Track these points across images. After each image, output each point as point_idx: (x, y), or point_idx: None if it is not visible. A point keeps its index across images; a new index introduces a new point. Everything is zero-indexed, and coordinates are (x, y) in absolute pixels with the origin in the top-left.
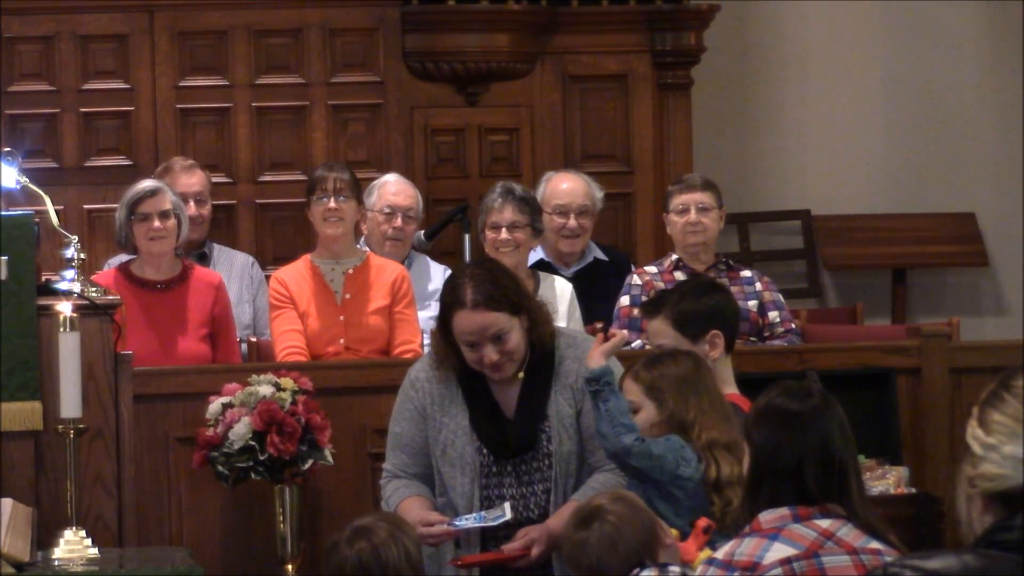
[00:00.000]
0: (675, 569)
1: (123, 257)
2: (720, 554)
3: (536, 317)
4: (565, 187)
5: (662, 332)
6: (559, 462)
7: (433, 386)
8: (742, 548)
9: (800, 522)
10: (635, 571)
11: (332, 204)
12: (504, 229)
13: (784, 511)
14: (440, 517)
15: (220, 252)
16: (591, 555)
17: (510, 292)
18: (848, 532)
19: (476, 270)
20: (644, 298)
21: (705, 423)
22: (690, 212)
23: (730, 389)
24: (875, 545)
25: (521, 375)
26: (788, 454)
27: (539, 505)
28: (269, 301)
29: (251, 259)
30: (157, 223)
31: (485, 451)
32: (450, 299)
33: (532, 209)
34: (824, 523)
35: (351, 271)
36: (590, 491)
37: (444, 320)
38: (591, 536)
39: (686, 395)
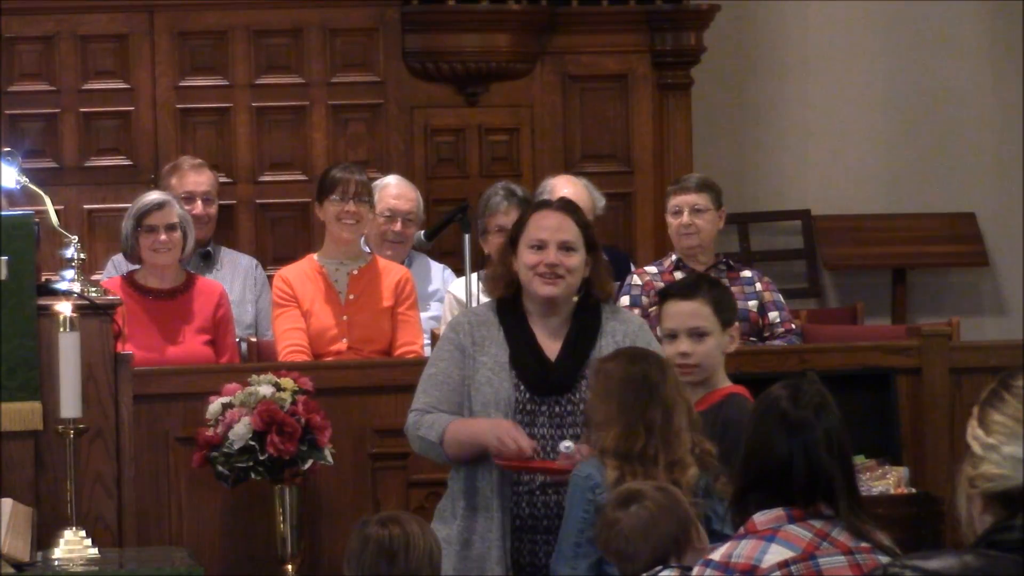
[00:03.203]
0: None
1: (121, 257)
2: (716, 555)
3: (600, 268)
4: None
5: (701, 314)
6: None
7: (473, 328)
8: (739, 550)
9: (795, 523)
10: (657, 568)
11: (351, 207)
12: None
13: (779, 512)
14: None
15: (225, 253)
16: (620, 537)
17: (590, 225)
18: (840, 532)
19: (563, 198)
20: (644, 298)
21: (608, 430)
22: (683, 214)
23: (726, 383)
24: (867, 544)
25: (576, 298)
26: (775, 456)
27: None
28: (272, 299)
29: (255, 261)
30: (163, 236)
31: (522, 387)
32: (535, 205)
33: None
34: (818, 523)
35: (356, 272)
36: None
37: (518, 227)
38: (625, 518)
39: (604, 399)
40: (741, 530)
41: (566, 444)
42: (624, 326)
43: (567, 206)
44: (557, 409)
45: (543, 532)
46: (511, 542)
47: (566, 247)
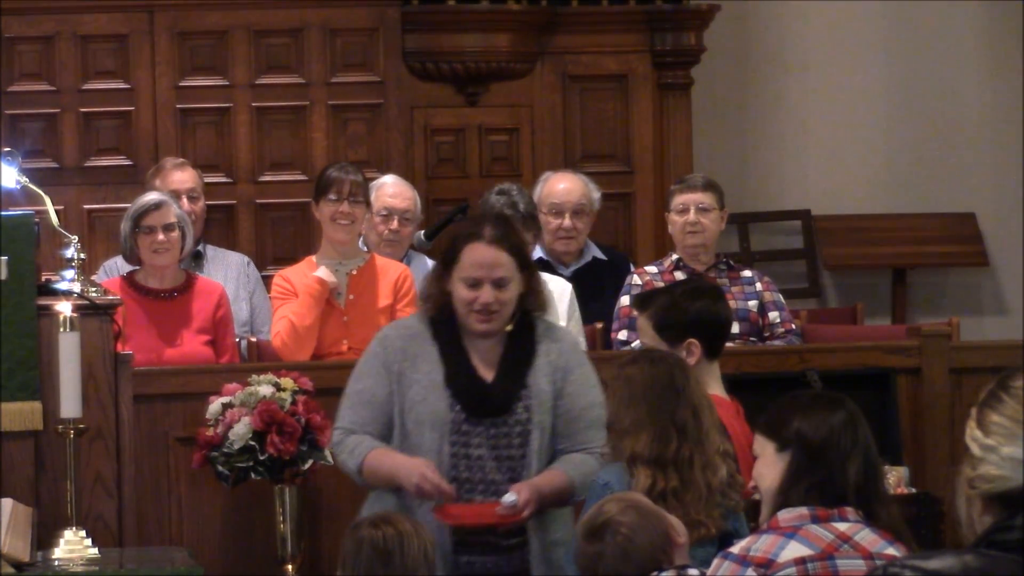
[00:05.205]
0: (693, 572)
1: (119, 259)
2: (736, 548)
3: (534, 284)
4: (561, 187)
5: (644, 330)
6: (536, 432)
7: (405, 343)
8: (758, 544)
9: (818, 523)
10: (653, 574)
11: (345, 208)
12: None
13: (803, 511)
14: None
15: (215, 252)
16: (607, 566)
17: (523, 246)
18: (865, 536)
19: (495, 215)
20: None
21: (638, 436)
22: (689, 212)
23: (712, 392)
24: (891, 551)
25: (509, 327)
26: (835, 460)
27: (502, 471)
28: (272, 297)
29: (246, 258)
30: (161, 236)
31: (457, 408)
32: (466, 233)
33: (534, 220)
34: (842, 526)
35: (355, 272)
36: (570, 467)
37: (451, 255)
38: (605, 548)
39: (628, 404)
40: (764, 525)
41: (509, 498)
42: (558, 345)
43: (499, 236)
44: (493, 431)
45: (481, 546)
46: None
47: (501, 283)
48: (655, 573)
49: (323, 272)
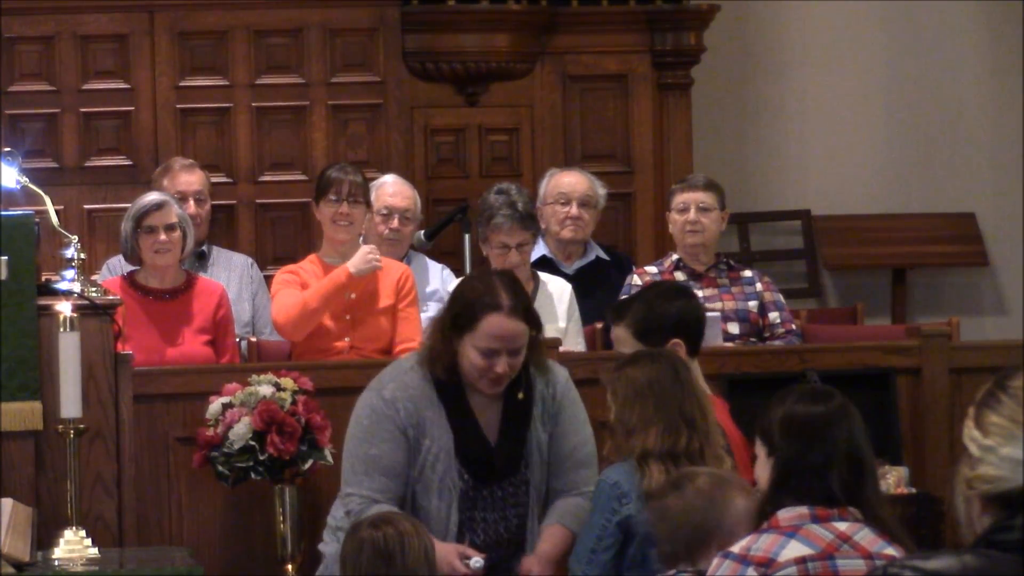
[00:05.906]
0: None
1: (120, 259)
2: (736, 548)
3: (538, 341)
4: (568, 179)
5: (624, 340)
6: (535, 488)
7: (415, 404)
8: (758, 544)
9: (818, 523)
10: (670, 572)
11: (344, 208)
12: (514, 250)
13: (803, 510)
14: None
15: (219, 253)
16: (654, 522)
17: (532, 307)
18: (865, 536)
19: (503, 277)
20: None
21: (647, 432)
22: (690, 211)
23: None
24: (890, 551)
25: (521, 395)
26: (816, 455)
27: (510, 529)
28: (278, 283)
29: (249, 259)
30: (163, 236)
31: (466, 476)
32: (483, 300)
33: (533, 219)
34: (842, 526)
35: None
36: (567, 518)
37: (465, 320)
38: (666, 502)
39: (634, 402)
40: (764, 524)
41: (476, 561)
42: (551, 388)
43: (516, 306)
44: (500, 493)
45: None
46: None
47: (516, 352)
48: (673, 572)
49: (361, 256)
